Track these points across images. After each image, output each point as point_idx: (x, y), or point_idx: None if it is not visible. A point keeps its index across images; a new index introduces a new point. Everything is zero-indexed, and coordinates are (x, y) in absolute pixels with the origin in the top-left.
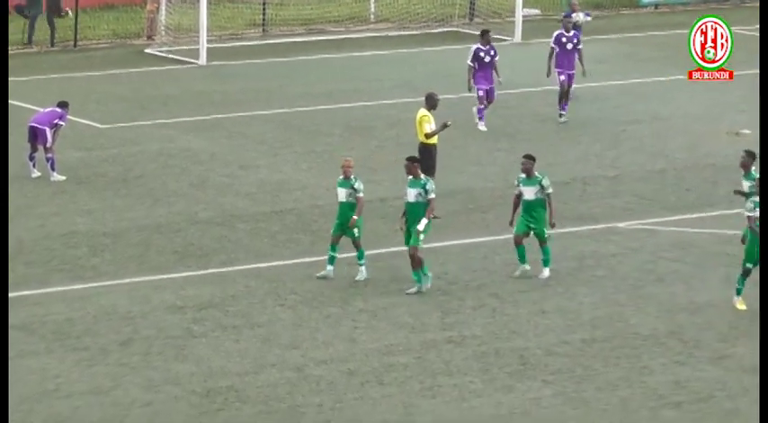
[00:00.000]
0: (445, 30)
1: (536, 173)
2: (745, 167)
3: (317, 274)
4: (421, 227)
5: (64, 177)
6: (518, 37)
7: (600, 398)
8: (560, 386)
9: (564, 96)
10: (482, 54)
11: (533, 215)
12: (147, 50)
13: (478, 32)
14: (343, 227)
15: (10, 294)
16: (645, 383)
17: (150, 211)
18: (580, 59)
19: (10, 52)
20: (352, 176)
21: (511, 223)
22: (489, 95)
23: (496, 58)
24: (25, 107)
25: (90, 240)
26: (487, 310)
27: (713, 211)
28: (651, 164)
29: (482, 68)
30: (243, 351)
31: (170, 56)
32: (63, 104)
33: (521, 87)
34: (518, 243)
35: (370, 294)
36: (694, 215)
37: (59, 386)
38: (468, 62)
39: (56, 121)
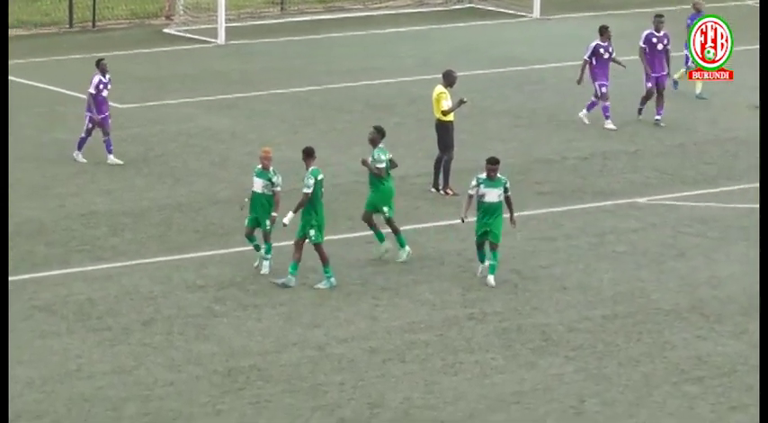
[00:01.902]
0: (464, 6)
1: (499, 175)
2: (373, 143)
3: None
4: (311, 231)
5: (85, 160)
6: (536, 13)
7: (622, 373)
8: (582, 362)
9: (658, 99)
10: (601, 50)
11: (495, 217)
12: (165, 30)
13: (599, 29)
14: (258, 220)
15: (31, 275)
16: (667, 358)
17: (171, 191)
18: (667, 61)
19: (27, 33)
20: (271, 168)
21: (463, 220)
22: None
23: (614, 55)
24: (44, 88)
25: (110, 220)
26: (509, 287)
27: (734, 185)
28: (671, 138)
29: (601, 65)
30: (264, 330)
31: (189, 35)
32: (96, 63)
33: (540, 63)
34: (481, 247)
35: (390, 272)
36: (715, 189)
37: (81, 366)
38: (586, 57)
39: (91, 91)
